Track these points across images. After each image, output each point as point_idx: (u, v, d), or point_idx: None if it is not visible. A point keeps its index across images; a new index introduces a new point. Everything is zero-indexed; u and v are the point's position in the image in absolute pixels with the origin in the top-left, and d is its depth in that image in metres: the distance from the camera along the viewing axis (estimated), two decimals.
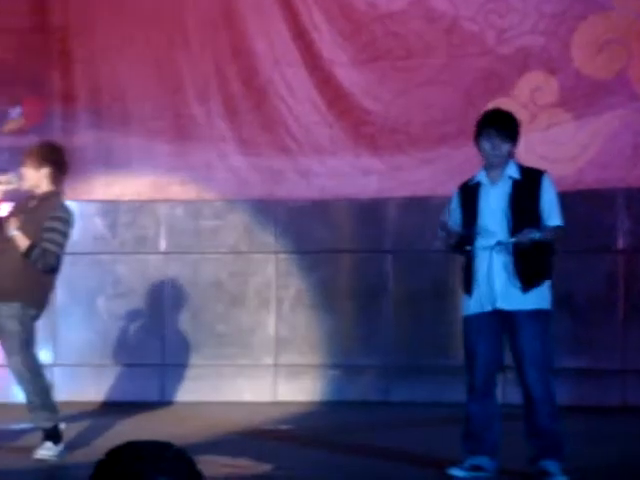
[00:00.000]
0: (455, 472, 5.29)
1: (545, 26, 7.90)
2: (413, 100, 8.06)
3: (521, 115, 7.75)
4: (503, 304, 5.18)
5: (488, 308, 5.21)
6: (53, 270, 6.02)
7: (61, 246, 6.01)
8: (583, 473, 5.27)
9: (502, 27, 7.96)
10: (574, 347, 7.82)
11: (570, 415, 5.82)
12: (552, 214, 5.22)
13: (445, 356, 7.91)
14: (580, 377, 7.76)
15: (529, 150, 7.82)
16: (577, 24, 7.88)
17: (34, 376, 5.94)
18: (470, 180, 5.44)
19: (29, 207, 6.05)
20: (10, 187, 6.08)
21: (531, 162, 7.67)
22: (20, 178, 6.07)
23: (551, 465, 5.14)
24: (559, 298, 7.77)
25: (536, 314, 5.18)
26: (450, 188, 6.34)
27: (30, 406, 5.95)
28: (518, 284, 5.14)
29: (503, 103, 7.81)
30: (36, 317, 6.04)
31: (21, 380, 5.93)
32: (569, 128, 7.87)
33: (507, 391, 6.71)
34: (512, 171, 5.29)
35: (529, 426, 5.22)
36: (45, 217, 5.95)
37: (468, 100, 7.88)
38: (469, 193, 5.37)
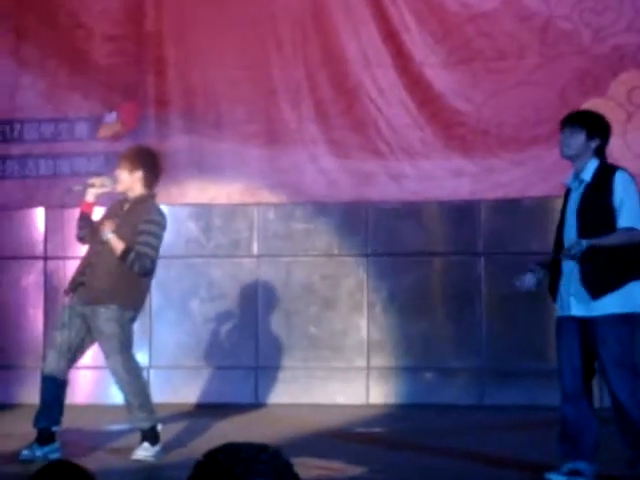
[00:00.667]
0: (553, 477, 5.20)
1: None
2: (505, 101, 7.99)
3: (618, 115, 7.68)
4: (577, 311, 5.13)
5: (567, 313, 5.18)
6: (148, 273, 6.08)
7: (156, 249, 6.06)
8: None
9: (598, 25, 7.84)
10: None
11: None
12: (622, 214, 5.04)
13: (540, 359, 7.80)
14: None
15: (626, 149, 7.70)
16: None
17: (132, 377, 6.00)
18: (566, 182, 5.38)
19: (123, 210, 6.11)
20: (104, 190, 6.13)
21: (627, 161, 7.55)
22: (114, 181, 6.12)
23: None
24: None
25: (613, 319, 5.06)
26: (541, 190, 6.31)
27: (128, 407, 6.02)
28: (586, 291, 5.07)
29: (598, 103, 7.71)
30: (133, 319, 6.09)
31: (120, 381, 6.00)
32: None
33: (605, 394, 6.57)
34: (586, 173, 5.17)
35: (621, 430, 5.13)
36: (140, 220, 6.00)
37: (561, 101, 7.78)
38: (565, 197, 5.34)
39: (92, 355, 6.53)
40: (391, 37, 8.18)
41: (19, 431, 6.39)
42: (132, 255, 5.92)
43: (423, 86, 8.15)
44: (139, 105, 8.50)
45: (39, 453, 5.83)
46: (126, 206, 6.12)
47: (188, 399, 8.28)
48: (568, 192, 5.29)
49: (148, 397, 6.06)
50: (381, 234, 8.35)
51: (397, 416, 7.77)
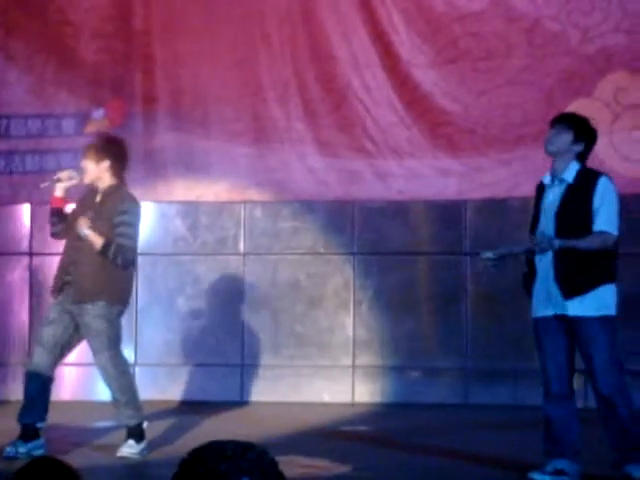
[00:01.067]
0: (537, 476, 5.22)
1: (629, 25, 7.80)
2: (492, 101, 8.02)
3: (604, 115, 7.71)
4: (560, 310, 5.16)
5: (549, 312, 5.21)
6: (130, 264, 6.05)
7: (134, 238, 6.03)
8: None
9: (585, 26, 7.87)
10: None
11: None
12: (598, 219, 5.12)
13: (525, 358, 7.80)
14: None
15: (612, 150, 7.73)
16: None
17: (120, 374, 5.99)
18: (542, 179, 5.41)
19: (95, 203, 6.04)
20: (72, 183, 6.08)
21: (614, 162, 7.60)
22: (81, 173, 6.06)
23: (635, 469, 5.07)
24: (636, 298, 7.66)
25: (597, 320, 5.12)
26: (527, 190, 6.28)
27: (115, 404, 6.01)
28: (561, 293, 5.12)
29: (585, 104, 7.74)
30: (121, 313, 6.08)
31: (107, 378, 5.98)
32: None
33: (590, 395, 6.59)
34: (568, 174, 5.22)
35: (608, 429, 5.17)
36: (114, 212, 5.95)
37: (548, 101, 7.81)
38: (538, 193, 5.38)
39: (78, 352, 6.51)
40: (379, 37, 8.19)
41: (4, 427, 6.37)
42: (112, 248, 5.87)
43: (411, 86, 8.17)
44: (126, 102, 8.50)
45: (23, 450, 5.81)
46: (98, 197, 6.06)
47: (174, 396, 8.27)
48: (542, 189, 5.32)
49: (135, 394, 6.04)
50: (368, 233, 8.36)
51: (382, 415, 7.79)
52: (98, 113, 8.51)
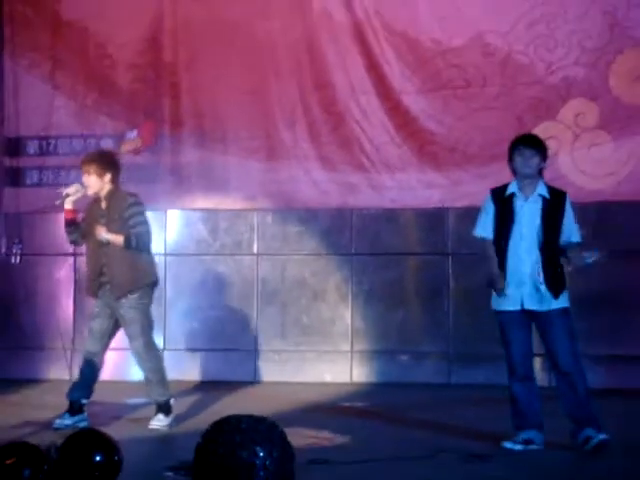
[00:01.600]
0: (509, 445, 5.27)
1: (587, 59, 7.81)
2: (471, 124, 8.01)
3: (566, 136, 7.76)
4: (531, 305, 5.22)
5: (517, 307, 5.25)
6: (150, 245, 6.06)
7: (147, 223, 6.03)
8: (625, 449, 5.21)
9: (550, 60, 7.88)
10: (612, 336, 7.74)
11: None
12: (574, 232, 5.28)
13: (498, 344, 7.80)
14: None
15: (573, 166, 7.76)
16: (615, 57, 7.78)
17: (152, 357, 6.02)
18: (503, 190, 5.37)
19: (102, 209, 6.02)
20: (78, 196, 6.01)
21: (575, 176, 7.64)
22: (84, 187, 5.99)
23: (590, 431, 5.13)
24: (602, 294, 7.71)
25: (563, 311, 5.23)
26: None
27: (147, 383, 6.04)
28: (549, 292, 5.19)
29: (549, 126, 7.79)
30: (151, 301, 6.09)
31: (141, 360, 6.01)
32: (608, 147, 7.77)
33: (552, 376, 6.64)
34: (542, 190, 5.29)
35: (566, 403, 5.21)
36: (122, 209, 5.94)
37: (518, 124, 7.80)
38: (504, 202, 5.33)
39: (115, 338, 6.53)
40: (373, 68, 8.19)
41: (51, 403, 6.41)
42: (133, 239, 5.91)
43: (401, 110, 8.16)
44: (157, 124, 8.49)
45: (69, 422, 5.86)
46: (103, 204, 6.03)
47: (196, 377, 8.29)
48: (511, 199, 5.28)
49: (164, 375, 6.08)
50: (364, 236, 8.34)
51: (377, 392, 7.78)
52: (132, 134, 8.51)
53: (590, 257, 5.14)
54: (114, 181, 6.04)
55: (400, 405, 7.06)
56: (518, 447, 5.23)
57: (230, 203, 8.45)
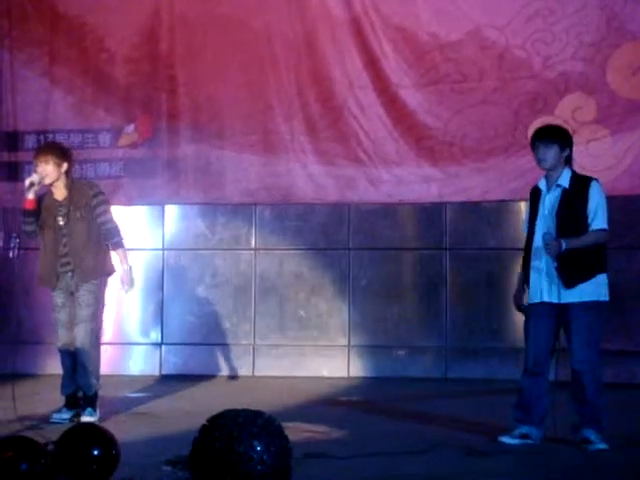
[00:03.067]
0: (505, 439, 5.26)
1: (584, 53, 7.79)
2: (468, 118, 7.99)
3: None
4: (553, 298, 5.15)
5: (537, 299, 5.20)
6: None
7: (113, 217, 6.06)
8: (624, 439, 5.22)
9: (547, 54, 7.85)
10: (609, 332, 7.76)
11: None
12: (596, 218, 5.14)
13: (495, 339, 7.88)
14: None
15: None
16: (612, 52, 7.76)
17: (96, 345, 6.01)
18: (536, 185, 5.36)
19: (59, 200, 5.99)
20: (40, 186, 5.93)
21: None
22: (43, 176, 5.91)
23: (591, 433, 5.11)
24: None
25: (585, 305, 5.11)
26: (498, 194, 6.32)
27: (82, 372, 5.96)
28: (562, 283, 5.11)
29: (547, 121, 7.75)
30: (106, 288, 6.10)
31: (84, 346, 5.93)
32: (606, 142, 7.76)
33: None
34: (563, 179, 5.21)
35: (574, 400, 5.18)
36: (88, 197, 5.97)
37: (516, 118, 7.81)
38: (533, 198, 5.34)
39: (114, 333, 6.54)
40: (371, 62, 8.17)
41: (49, 397, 6.41)
42: (119, 238, 5.98)
43: (398, 104, 8.15)
44: (154, 118, 8.47)
45: (67, 416, 5.88)
46: (59, 194, 6.00)
47: (194, 371, 8.29)
48: (537, 194, 5.28)
49: (99, 366, 6.04)
50: (361, 231, 8.37)
51: (373, 387, 7.81)
52: (129, 128, 8.51)
53: (552, 248, 5.06)
54: (69, 171, 6.05)
55: (397, 399, 7.08)
56: (514, 442, 5.23)
57: (226, 197, 8.43)
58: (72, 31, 8.55)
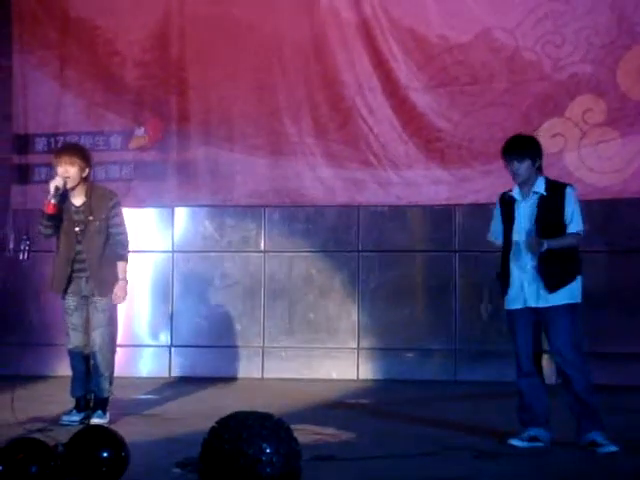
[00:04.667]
0: (515, 442, 5.27)
1: (594, 55, 7.77)
2: (477, 120, 7.98)
3: (573, 133, 7.72)
4: (532, 303, 5.24)
5: (519, 305, 5.28)
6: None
7: (126, 229, 6.03)
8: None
9: (557, 56, 7.83)
10: (615, 334, 7.75)
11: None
12: (572, 222, 5.26)
13: (505, 341, 7.80)
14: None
15: (580, 163, 7.73)
16: (623, 54, 7.74)
17: (112, 349, 6.02)
18: (508, 193, 5.45)
19: (77, 205, 5.91)
20: (63, 189, 5.84)
21: (581, 173, 7.62)
22: (65, 181, 5.82)
23: (597, 435, 5.11)
24: (606, 291, 7.71)
25: (564, 308, 5.21)
26: None
27: (97, 376, 5.98)
28: (545, 287, 5.20)
29: (557, 122, 7.76)
30: None
31: (102, 350, 5.95)
32: (616, 144, 7.74)
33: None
34: (539, 187, 5.33)
35: (569, 402, 5.22)
36: (107, 208, 5.91)
37: (525, 120, 7.79)
38: (507, 206, 5.42)
39: (123, 335, 6.53)
40: (380, 65, 8.16)
41: (59, 399, 6.42)
42: (124, 252, 5.95)
43: (407, 107, 8.14)
44: (164, 121, 8.48)
45: (77, 418, 5.89)
46: (78, 200, 5.91)
47: (204, 374, 8.29)
48: (511, 203, 5.36)
49: (113, 371, 6.04)
50: (370, 233, 8.36)
51: (382, 389, 7.79)
52: (140, 131, 8.52)
53: (534, 247, 5.13)
54: (88, 176, 6.00)
55: (406, 402, 7.07)
56: (524, 444, 5.24)
57: (236, 200, 8.42)
58: (83, 34, 8.57)
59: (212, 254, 8.55)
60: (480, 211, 8.06)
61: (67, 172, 5.85)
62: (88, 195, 5.94)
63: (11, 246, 8.56)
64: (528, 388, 5.31)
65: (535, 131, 7.59)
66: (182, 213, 8.66)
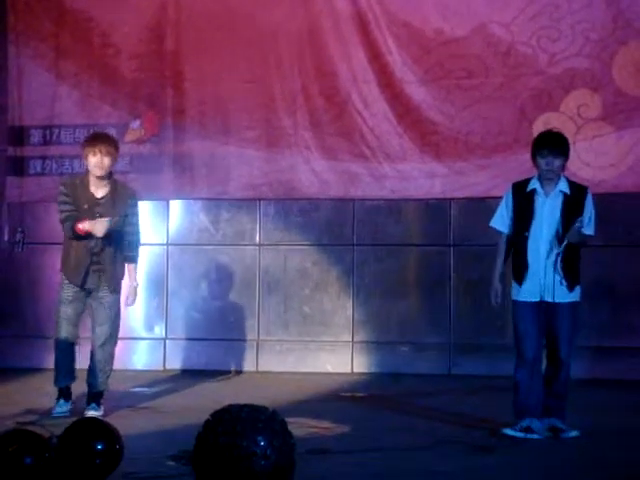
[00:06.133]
0: (509, 432, 5.31)
1: (590, 50, 7.78)
2: (473, 114, 7.98)
3: (568, 127, 7.72)
4: (549, 298, 5.31)
5: (536, 299, 5.31)
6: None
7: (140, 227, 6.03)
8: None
9: (553, 51, 7.84)
10: (610, 328, 7.78)
11: None
12: (589, 225, 5.37)
13: (499, 335, 7.85)
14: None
15: (575, 157, 7.69)
16: (618, 48, 7.75)
17: (114, 345, 6.01)
18: (525, 185, 5.44)
19: (97, 197, 5.85)
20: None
21: (576, 168, 7.62)
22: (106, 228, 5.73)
23: (559, 423, 5.31)
24: (602, 286, 7.72)
25: (575, 305, 5.37)
26: (503, 190, 6.29)
27: (97, 370, 5.98)
28: (565, 284, 5.31)
29: (552, 117, 7.76)
30: None
31: (104, 346, 5.96)
32: (611, 139, 7.75)
33: None
34: (563, 186, 5.39)
35: (548, 389, 5.35)
36: (128, 206, 5.88)
37: (521, 114, 7.81)
38: (525, 198, 5.41)
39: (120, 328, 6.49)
40: (376, 58, 8.15)
41: (53, 391, 6.39)
42: (135, 254, 5.95)
43: (403, 100, 8.13)
44: (159, 114, 8.45)
45: (66, 408, 5.90)
46: (100, 192, 5.85)
47: (198, 366, 8.29)
48: (531, 195, 5.36)
49: (112, 367, 6.05)
50: (365, 227, 8.35)
51: (377, 382, 7.80)
52: (136, 123, 8.50)
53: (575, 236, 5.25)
54: (113, 169, 6.00)
55: (401, 395, 7.07)
56: (518, 434, 5.28)
57: (230, 192, 8.41)
58: (78, 26, 8.55)
59: (207, 247, 8.54)
60: (476, 205, 8.07)
61: (103, 162, 5.78)
62: (112, 188, 5.89)
63: (6, 238, 8.55)
64: (526, 379, 5.34)
65: (532, 125, 7.60)
66: (177, 206, 8.65)
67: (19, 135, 8.63)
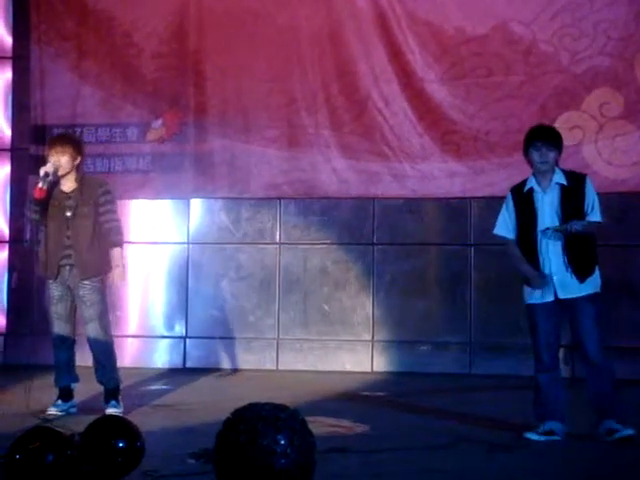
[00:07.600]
0: (531, 436, 5.24)
1: (612, 48, 7.72)
2: (493, 112, 7.95)
3: (590, 126, 7.68)
4: (563, 294, 5.21)
5: (550, 298, 5.24)
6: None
7: (118, 216, 6.02)
8: None
9: (575, 49, 7.80)
10: (633, 328, 7.71)
11: None
12: (594, 212, 5.25)
13: (520, 335, 7.79)
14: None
15: (597, 156, 7.68)
16: None
17: (108, 340, 5.99)
18: (522, 186, 5.41)
19: (66, 192, 5.93)
20: (53, 176, 5.85)
21: (598, 166, 7.57)
22: (56, 168, 5.85)
23: (613, 423, 5.13)
24: (622, 285, 7.66)
25: (591, 297, 5.22)
26: None
27: (100, 367, 5.98)
28: (575, 277, 5.20)
29: (574, 115, 7.71)
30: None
31: (96, 343, 5.94)
32: (633, 137, 7.69)
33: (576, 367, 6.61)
34: (559, 178, 5.32)
35: (592, 391, 5.21)
36: (96, 195, 5.92)
37: (542, 113, 7.76)
38: (524, 198, 5.37)
39: (138, 326, 6.54)
40: (396, 56, 8.13)
41: (75, 388, 6.42)
42: (119, 237, 5.93)
43: (423, 99, 8.11)
44: (181, 113, 8.48)
45: (64, 408, 5.90)
46: (67, 187, 5.94)
47: (218, 365, 8.32)
48: (529, 194, 5.32)
49: (116, 359, 6.04)
50: (385, 226, 8.34)
51: (397, 382, 7.78)
52: (157, 122, 8.52)
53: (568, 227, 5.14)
54: (80, 165, 6.04)
55: (420, 394, 7.06)
56: (540, 438, 5.22)
57: (251, 192, 8.42)
58: (100, 25, 8.59)
59: (227, 246, 8.55)
60: (496, 204, 7.91)
61: (59, 161, 5.90)
62: (78, 182, 5.97)
63: (28, 237, 8.59)
64: (547, 383, 5.27)
65: (553, 123, 7.55)
66: (198, 205, 8.67)
67: (41, 134, 8.66)
